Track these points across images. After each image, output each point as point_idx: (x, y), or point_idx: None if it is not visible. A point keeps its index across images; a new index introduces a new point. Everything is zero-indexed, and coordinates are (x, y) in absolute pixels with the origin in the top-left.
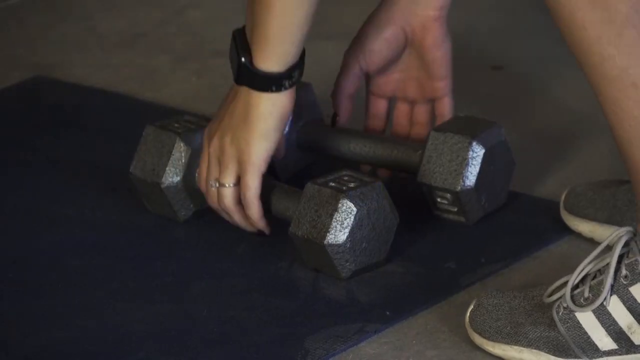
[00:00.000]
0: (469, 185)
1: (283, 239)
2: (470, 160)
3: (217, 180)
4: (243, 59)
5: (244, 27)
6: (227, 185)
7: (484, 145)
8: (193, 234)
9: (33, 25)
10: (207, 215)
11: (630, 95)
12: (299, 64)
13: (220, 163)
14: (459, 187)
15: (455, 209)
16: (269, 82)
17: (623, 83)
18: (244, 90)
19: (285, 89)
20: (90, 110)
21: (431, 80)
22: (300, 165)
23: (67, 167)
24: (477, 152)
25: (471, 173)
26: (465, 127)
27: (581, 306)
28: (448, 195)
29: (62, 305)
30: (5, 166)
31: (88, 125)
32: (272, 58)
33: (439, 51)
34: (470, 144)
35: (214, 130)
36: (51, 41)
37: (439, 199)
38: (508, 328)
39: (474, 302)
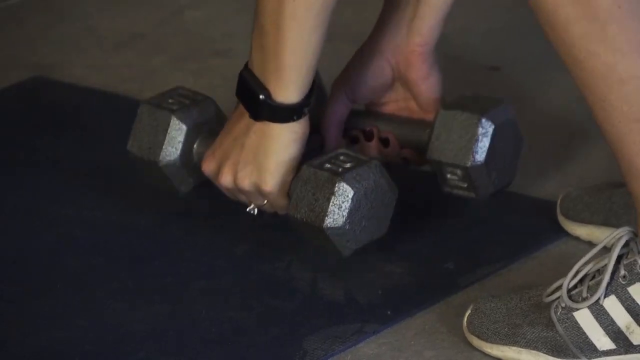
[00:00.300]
0: (479, 161)
1: (281, 239)
2: (480, 136)
3: (253, 205)
4: (262, 96)
5: (246, 65)
6: (264, 203)
7: (494, 122)
8: (192, 234)
9: (32, 25)
10: (206, 216)
11: (617, 92)
12: (313, 86)
13: (245, 194)
14: (469, 163)
15: (466, 185)
16: (291, 113)
17: (610, 79)
18: (260, 123)
19: (305, 115)
20: (90, 110)
21: (421, 111)
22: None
23: (67, 167)
24: (487, 129)
25: (481, 149)
26: (474, 104)
27: (578, 302)
28: (458, 171)
29: (62, 305)
30: (5, 166)
31: (88, 125)
32: (291, 89)
33: (423, 85)
34: (479, 120)
35: (224, 166)
36: (50, 41)
37: (449, 175)
38: (506, 329)
39: (471, 307)
